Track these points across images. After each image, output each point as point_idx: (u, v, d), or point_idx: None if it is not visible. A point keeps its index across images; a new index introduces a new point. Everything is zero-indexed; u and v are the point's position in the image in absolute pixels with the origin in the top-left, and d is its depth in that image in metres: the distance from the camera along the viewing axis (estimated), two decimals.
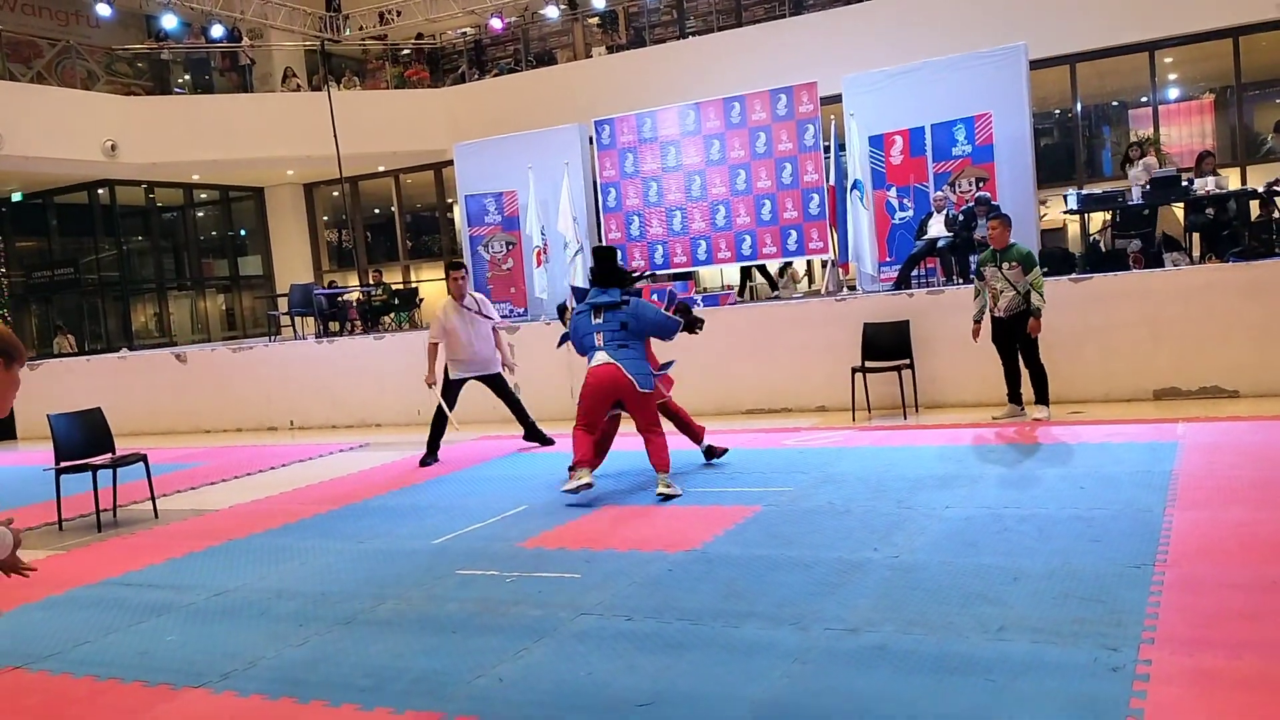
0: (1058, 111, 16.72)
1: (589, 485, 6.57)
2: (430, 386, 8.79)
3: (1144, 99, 16.03)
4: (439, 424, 8.92)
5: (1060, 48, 14.67)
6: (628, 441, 7.22)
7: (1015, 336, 8.16)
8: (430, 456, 8.87)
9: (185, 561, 6.13)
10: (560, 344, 7.56)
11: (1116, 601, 3.92)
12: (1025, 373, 8.28)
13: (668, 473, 6.63)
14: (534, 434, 9.31)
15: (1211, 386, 8.50)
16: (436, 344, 8.84)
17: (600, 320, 6.83)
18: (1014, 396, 8.40)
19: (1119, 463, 6.34)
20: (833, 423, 9.13)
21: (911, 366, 9.13)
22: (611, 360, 6.69)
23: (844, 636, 3.86)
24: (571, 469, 6.69)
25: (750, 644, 3.89)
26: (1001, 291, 8.09)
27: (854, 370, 9.13)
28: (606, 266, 7.07)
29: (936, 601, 4.11)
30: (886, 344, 9.24)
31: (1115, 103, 16.96)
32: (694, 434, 7.51)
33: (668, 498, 6.46)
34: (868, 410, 9.28)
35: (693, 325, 7.33)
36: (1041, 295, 7.95)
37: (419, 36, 20.24)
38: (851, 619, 4.02)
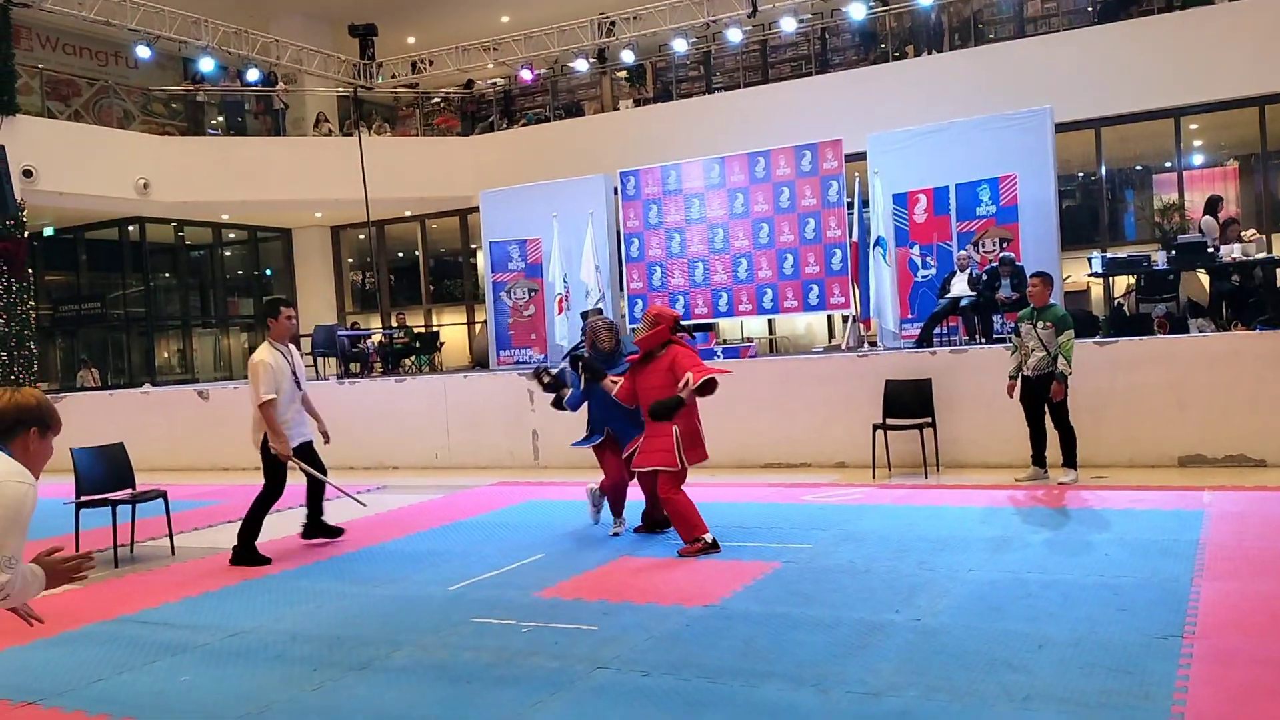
0: (1081, 174, 16.77)
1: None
2: (290, 458, 7.06)
3: (1168, 164, 16.07)
4: (315, 491, 7.45)
5: (1086, 112, 14.76)
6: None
7: (1042, 397, 8.12)
8: (315, 530, 7.48)
9: (201, 601, 6.11)
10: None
11: (1145, 673, 3.84)
12: (1051, 435, 8.21)
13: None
14: (319, 526, 7.54)
15: (1238, 455, 8.41)
16: (275, 400, 6.92)
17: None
18: (1038, 458, 8.33)
19: (1145, 530, 6.26)
20: (853, 480, 9.07)
21: (933, 425, 9.07)
22: None
23: (866, 700, 3.79)
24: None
25: (770, 705, 3.83)
26: (1032, 350, 8.06)
27: (875, 427, 9.08)
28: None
29: (961, 667, 4.04)
30: (908, 402, 9.19)
31: (1139, 167, 17.00)
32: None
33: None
34: (888, 468, 9.21)
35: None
36: (1069, 360, 7.90)
37: (468, 85, 20.53)
38: (874, 682, 3.95)
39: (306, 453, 7.30)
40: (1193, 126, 15.85)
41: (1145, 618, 4.49)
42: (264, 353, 7.05)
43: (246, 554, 6.96)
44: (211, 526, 8.74)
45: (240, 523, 7.07)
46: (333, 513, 8.07)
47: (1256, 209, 15.54)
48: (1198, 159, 16.46)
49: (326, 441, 7.40)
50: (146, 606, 6.01)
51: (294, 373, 7.11)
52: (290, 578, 6.59)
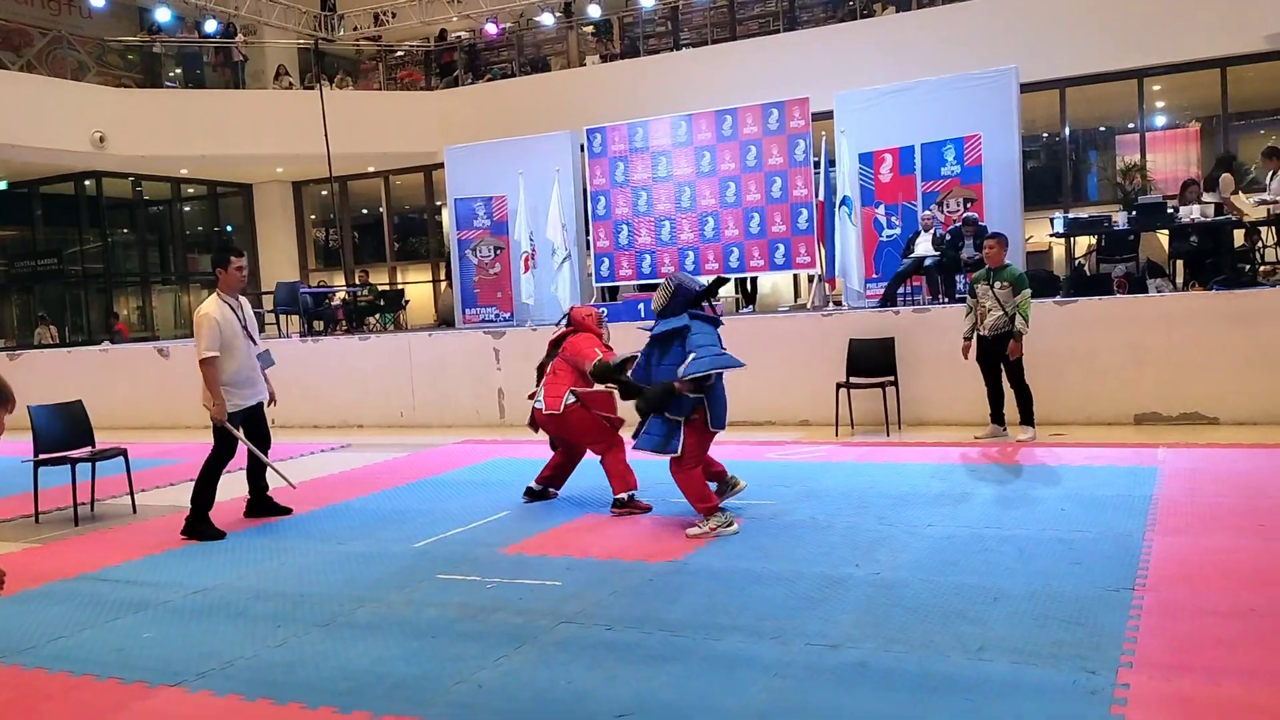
0: (1045, 135, 16.86)
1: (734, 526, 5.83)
2: (224, 424, 6.56)
3: (1131, 125, 16.19)
4: (254, 471, 7.00)
5: (1050, 72, 14.80)
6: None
7: (998, 357, 8.21)
8: (260, 506, 7.03)
9: (163, 558, 6.09)
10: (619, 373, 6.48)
11: (1096, 625, 3.94)
12: (1008, 393, 8.32)
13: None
14: (264, 504, 7.06)
15: (1192, 413, 8.57)
16: (216, 358, 6.48)
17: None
18: (996, 416, 8.44)
19: (1100, 486, 6.38)
20: (816, 437, 9.16)
21: (895, 384, 9.16)
22: None
23: (825, 652, 3.86)
24: (713, 513, 5.86)
25: (731, 657, 3.89)
26: (989, 310, 8.14)
27: (839, 386, 9.15)
28: (709, 298, 6.22)
29: (917, 619, 4.12)
30: (871, 360, 9.27)
31: (1102, 128, 17.11)
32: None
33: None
34: (851, 426, 9.30)
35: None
36: (1026, 319, 8.00)
37: (441, 35, 20.11)
38: (832, 635, 4.02)
39: (255, 416, 6.82)
40: (1155, 88, 15.95)
41: (1098, 571, 4.60)
42: (211, 305, 6.56)
43: (200, 525, 6.51)
44: (173, 485, 8.66)
45: (193, 489, 6.61)
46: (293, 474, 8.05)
47: (1218, 170, 15.70)
48: (1160, 120, 16.58)
49: (273, 402, 6.95)
50: (107, 564, 5.97)
51: (245, 327, 6.62)
52: (253, 535, 6.57)
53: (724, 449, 8.63)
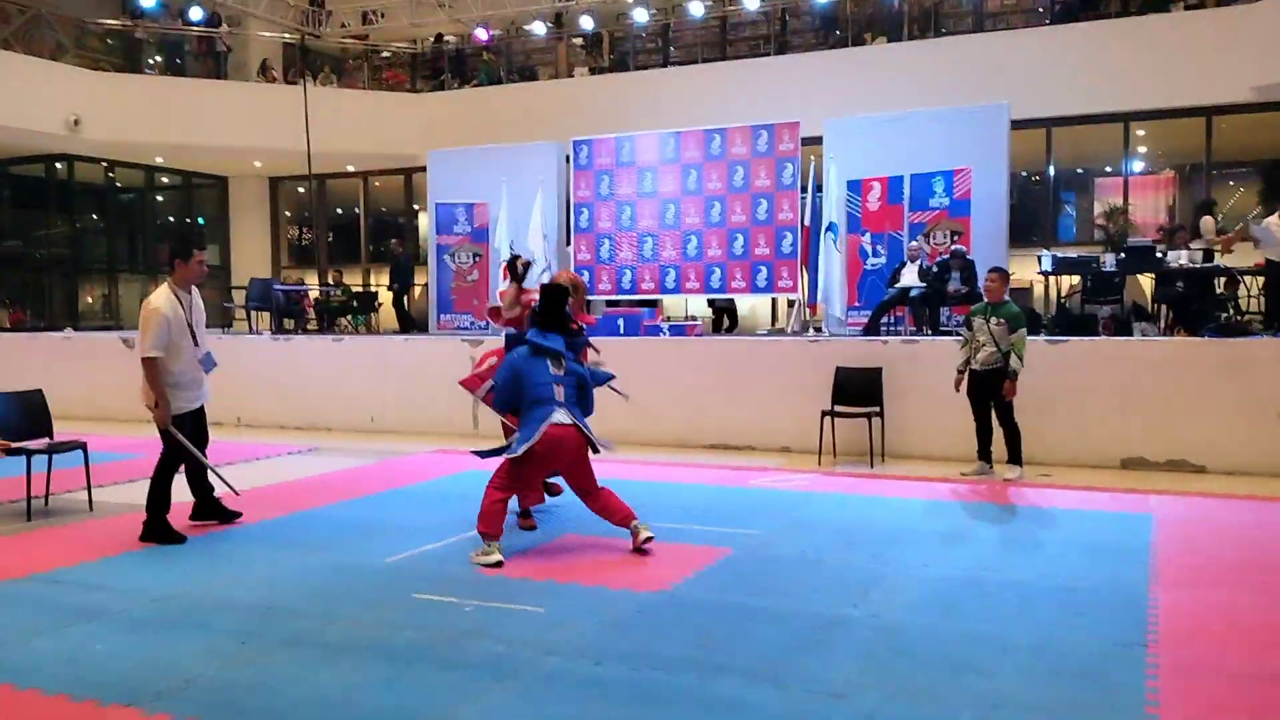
0: (1025, 173, 16.85)
1: (500, 564, 5.58)
2: (169, 429, 6.12)
3: (1108, 169, 16.25)
4: (197, 474, 6.57)
5: (1038, 111, 14.78)
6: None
7: (989, 393, 8.09)
8: (207, 509, 6.65)
9: (120, 561, 5.78)
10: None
11: (1112, 684, 3.75)
12: (997, 431, 8.19)
13: (635, 518, 5.88)
14: (211, 507, 6.66)
15: (1179, 460, 8.48)
16: (160, 358, 6.02)
17: (560, 372, 5.88)
18: (983, 454, 8.30)
19: (1094, 532, 6.24)
20: (798, 464, 8.98)
21: (881, 414, 9.01)
22: (572, 421, 5.80)
23: (829, 701, 3.64)
24: (487, 539, 5.69)
25: (729, 701, 3.67)
26: (983, 345, 8.02)
27: (824, 414, 8.99)
28: (556, 310, 6.02)
29: (924, 670, 3.92)
30: (857, 389, 9.11)
31: (1080, 170, 17.16)
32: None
33: (648, 540, 5.80)
34: (834, 455, 9.13)
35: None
36: (1021, 359, 7.87)
37: (438, 38, 19.82)
38: (835, 681, 3.81)
39: (196, 418, 6.40)
40: (1140, 132, 16.01)
41: (1106, 624, 4.42)
42: (161, 300, 6.07)
43: (158, 529, 6.15)
44: (133, 481, 8.30)
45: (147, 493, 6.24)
46: (247, 478, 7.75)
47: (1195, 217, 15.78)
48: (1138, 165, 16.65)
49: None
50: (61, 565, 5.66)
51: (191, 326, 6.17)
52: (216, 540, 6.27)
53: (706, 473, 8.47)
